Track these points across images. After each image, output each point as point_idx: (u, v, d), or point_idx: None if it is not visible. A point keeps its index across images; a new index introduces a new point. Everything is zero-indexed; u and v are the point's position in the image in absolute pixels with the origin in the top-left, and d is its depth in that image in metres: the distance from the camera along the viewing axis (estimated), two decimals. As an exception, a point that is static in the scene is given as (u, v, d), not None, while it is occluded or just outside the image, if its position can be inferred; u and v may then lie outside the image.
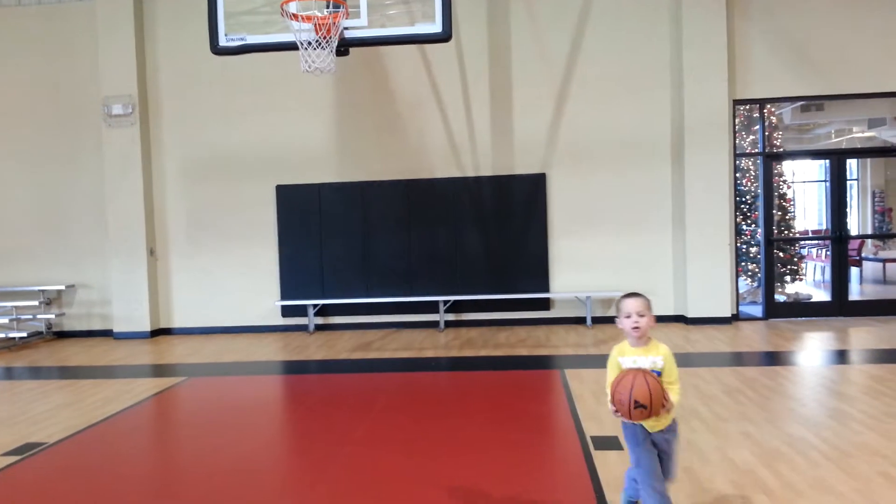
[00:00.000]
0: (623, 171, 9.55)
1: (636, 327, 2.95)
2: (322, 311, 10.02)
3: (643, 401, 2.77)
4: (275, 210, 10.00)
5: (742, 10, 9.32)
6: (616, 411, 2.84)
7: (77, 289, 10.25)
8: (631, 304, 2.97)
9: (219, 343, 9.30)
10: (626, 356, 3.01)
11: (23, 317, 9.74)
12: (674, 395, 2.91)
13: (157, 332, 10.15)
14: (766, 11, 9.30)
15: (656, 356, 2.98)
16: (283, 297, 9.98)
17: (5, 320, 9.47)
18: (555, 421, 5.18)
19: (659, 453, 2.99)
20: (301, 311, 9.94)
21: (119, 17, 9.82)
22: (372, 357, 7.99)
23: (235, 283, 10.09)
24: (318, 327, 10.03)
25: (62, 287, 10.09)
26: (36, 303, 9.96)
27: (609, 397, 2.88)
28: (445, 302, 9.65)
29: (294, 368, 7.71)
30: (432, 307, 9.77)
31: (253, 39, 6.98)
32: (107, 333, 10.17)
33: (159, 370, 7.74)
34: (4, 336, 9.53)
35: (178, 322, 10.23)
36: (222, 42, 6.95)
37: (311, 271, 9.94)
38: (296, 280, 9.96)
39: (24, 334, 9.66)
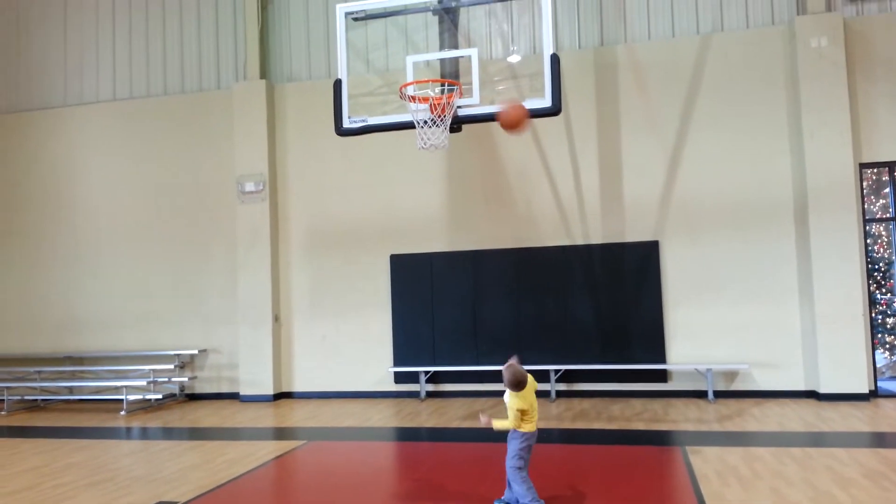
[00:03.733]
0: (742, 237, 9.25)
1: None
2: (433, 378, 10.15)
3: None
4: (388, 278, 10.36)
5: (865, 73, 8.99)
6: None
7: (208, 353, 10.94)
8: None
9: (336, 407, 9.59)
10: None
11: (159, 379, 10.46)
12: (496, 423, 4.83)
13: (280, 396, 10.60)
14: (890, 73, 8.92)
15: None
16: (396, 364, 10.21)
17: (143, 382, 10.21)
18: (678, 503, 4.96)
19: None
20: (413, 377, 10.12)
21: (253, 103, 10.76)
22: (481, 426, 7.94)
23: (352, 349, 10.44)
24: (429, 394, 10.14)
25: (195, 351, 10.81)
26: (171, 366, 10.69)
27: None
28: (556, 371, 9.53)
29: (407, 435, 7.81)
30: (543, 376, 9.66)
31: (373, 120, 7.44)
32: (234, 396, 10.74)
33: (281, 433, 8.06)
34: (142, 398, 10.25)
35: (298, 386, 10.67)
36: (346, 124, 7.46)
37: (423, 338, 10.14)
38: (408, 347, 10.19)
39: (160, 396, 10.35)
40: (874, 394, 8.74)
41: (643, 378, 9.44)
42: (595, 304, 9.64)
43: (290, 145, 10.93)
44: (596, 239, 9.75)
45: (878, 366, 9.13)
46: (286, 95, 10.96)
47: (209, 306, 10.95)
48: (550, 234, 9.89)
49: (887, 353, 9.69)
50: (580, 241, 9.79)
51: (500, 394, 9.82)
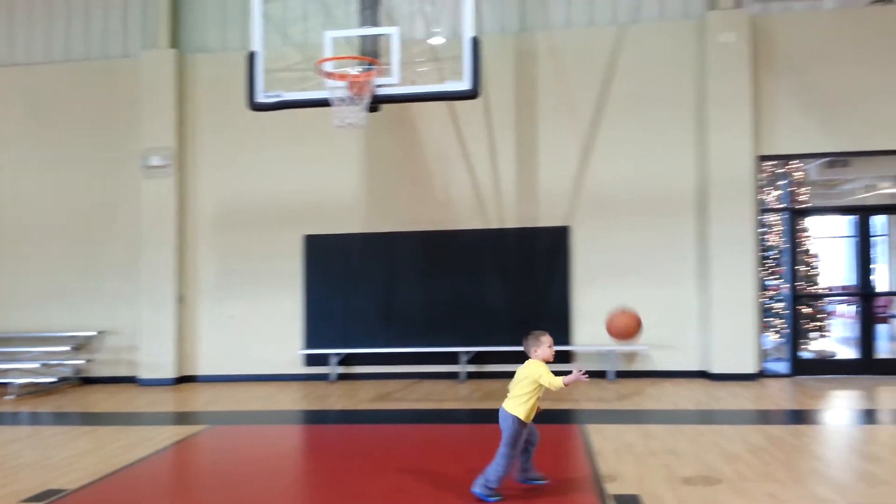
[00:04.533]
0: (647, 224, 9.60)
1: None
2: (344, 360, 10.08)
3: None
4: (302, 259, 10.18)
5: (768, 68, 9.45)
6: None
7: (107, 335, 10.44)
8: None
9: (242, 391, 9.38)
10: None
11: (51, 362, 9.92)
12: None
13: (182, 379, 10.26)
14: (791, 69, 9.42)
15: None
16: (307, 346, 10.07)
17: (35, 365, 9.64)
18: (574, 478, 5.12)
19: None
20: (323, 360, 10.01)
21: (161, 74, 10.28)
22: (392, 408, 7.99)
23: (261, 331, 10.22)
24: (341, 376, 10.07)
25: (93, 333, 10.30)
26: (66, 348, 10.15)
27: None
28: (467, 353, 9.65)
29: (315, 418, 7.74)
30: (454, 358, 9.77)
31: (288, 96, 7.26)
32: (132, 380, 10.29)
33: (182, 418, 7.82)
34: (32, 381, 9.69)
35: (202, 370, 10.35)
36: (259, 98, 7.24)
37: (335, 321, 10.04)
38: (319, 329, 10.06)
39: (53, 379, 9.82)
40: (761, 374, 9.31)
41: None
42: (507, 286, 9.81)
43: (200, 119, 10.51)
44: (510, 223, 9.90)
45: (766, 348, 9.73)
46: (198, 67, 10.52)
47: (110, 285, 10.44)
48: (466, 218, 9.96)
49: (775, 335, 10.32)
50: (495, 225, 9.91)
51: (412, 376, 9.94)
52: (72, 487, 5.10)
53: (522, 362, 4.70)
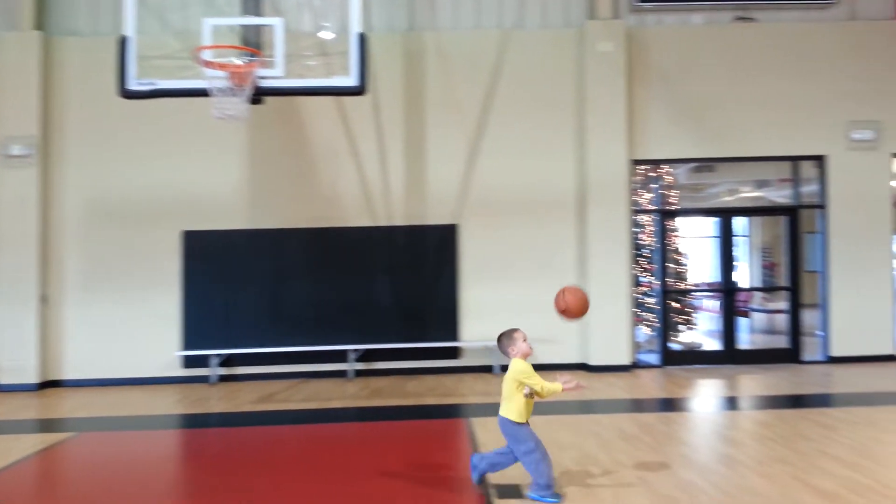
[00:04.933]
0: (530, 224, 9.90)
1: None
2: (227, 361, 9.73)
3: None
4: (180, 257, 9.74)
5: (642, 77, 9.99)
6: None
7: (-43, 338, 9.55)
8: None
9: (113, 396, 8.85)
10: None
11: None
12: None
13: (46, 384, 9.55)
14: (663, 79, 10.00)
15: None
16: (185, 348, 9.65)
17: None
18: (459, 470, 5.21)
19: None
20: (203, 361, 9.61)
21: (24, 56, 9.52)
22: (275, 409, 7.81)
23: (134, 332, 9.67)
24: (223, 378, 9.71)
25: (-59, 335, 9.39)
26: None
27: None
28: (355, 351, 9.58)
29: (192, 422, 7.43)
30: (342, 356, 9.67)
31: (164, 84, 6.92)
32: (-12, 386, 9.48)
33: (47, 425, 7.30)
34: None
35: (69, 374, 9.68)
36: (131, 86, 6.86)
37: (217, 320, 9.67)
38: (199, 330, 9.66)
39: None
40: (634, 365, 9.84)
41: (438, 355, 9.80)
42: (395, 284, 9.82)
43: (69, 107, 9.80)
44: (399, 221, 9.91)
45: (639, 340, 10.30)
46: (66, 51, 9.80)
47: (-40, 284, 9.55)
48: (354, 215, 9.88)
49: (647, 329, 10.94)
50: (383, 223, 9.89)
51: (299, 375, 9.74)
52: (-86, 506, 4.64)
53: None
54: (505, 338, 4.55)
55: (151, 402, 8.33)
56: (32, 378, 9.38)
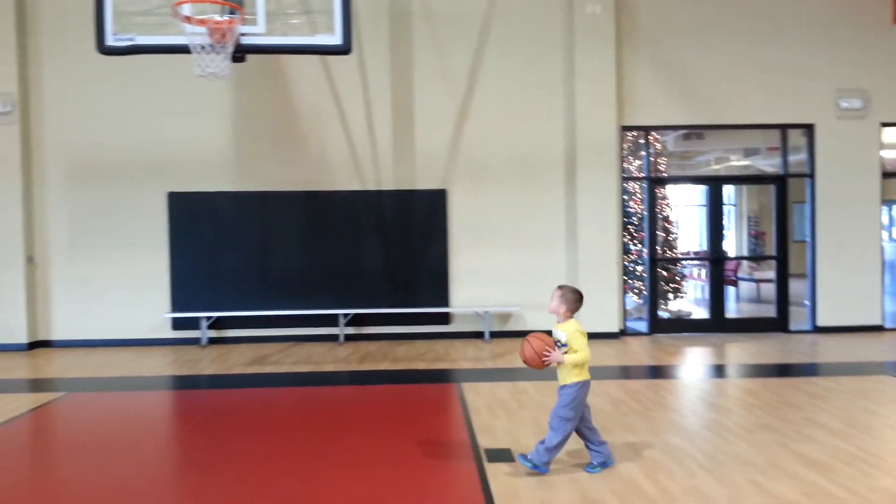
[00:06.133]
0: (519, 189, 9.85)
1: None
2: (216, 324, 9.71)
3: (521, 356, 4.25)
4: (166, 218, 9.63)
5: (630, 42, 9.87)
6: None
7: (-58, 298, 9.46)
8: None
9: (102, 357, 8.82)
10: (555, 329, 4.34)
11: None
12: (569, 357, 4.15)
13: (35, 345, 9.50)
14: (652, 44, 9.90)
15: (564, 331, 4.25)
16: (174, 309, 9.61)
17: None
18: (450, 434, 5.26)
19: None
20: (193, 323, 9.59)
21: (-1, 8, 9.23)
22: (267, 371, 7.82)
23: (122, 293, 9.61)
24: (212, 341, 9.71)
25: (-74, 295, 9.29)
26: None
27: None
28: (345, 315, 9.59)
29: (183, 384, 7.43)
30: (332, 320, 9.68)
31: (143, 40, 6.74)
32: (-25, 346, 9.43)
33: (36, 385, 7.27)
34: None
35: (58, 334, 9.63)
36: (109, 41, 6.67)
37: (205, 282, 9.62)
38: (188, 291, 9.61)
39: None
40: (623, 333, 9.92)
41: (428, 321, 9.83)
42: (384, 249, 9.78)
43: (46, 62, 9.57)
44: (387, 185, 9.83)
45: (628, 308, 10.37)
46: (41, 3, 9.53)
47: (-57, 244, 9.42)
48: (343, 179, 9.79)
49: (636, 296, 11.02)
50: (372, 187, 9.81)
51: (289, 339, 9.75)
52: None
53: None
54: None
55: (141, 364, 8.32)
56: (21, 338, 9.33)
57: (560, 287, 4.34)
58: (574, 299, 4.29)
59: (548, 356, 4.12)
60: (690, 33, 9.91)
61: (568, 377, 4.22)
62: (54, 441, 5.47)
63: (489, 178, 9.86)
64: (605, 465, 4.34)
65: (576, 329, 4.21)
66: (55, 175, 9.59)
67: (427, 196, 9.81)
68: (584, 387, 4.24)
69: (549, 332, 4.34)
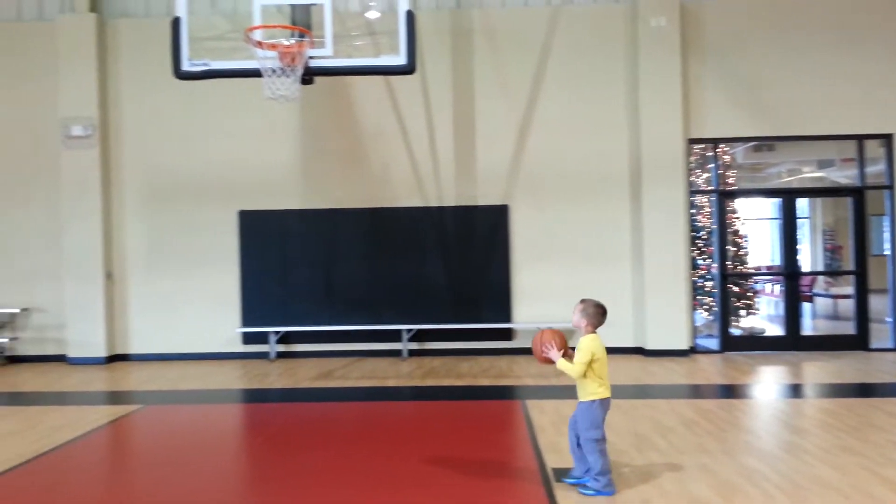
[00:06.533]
0: (583, 204, 9.76)
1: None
2: (284, 338, 9.92)
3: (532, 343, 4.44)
4: (237, 235, 9.93)
5: (696, 54, 9.68)
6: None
7: (31, 312, 9.96)
8: None
9: (177, 370, 9.13)
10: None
11: (-28, 341, 9.43)
12: (561, 362, 4.24)
13: (114, 358, 9.92)
14: (719, 56, 9.68)
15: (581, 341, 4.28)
16: (245, 324, 9.87)
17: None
18: (515, 453, 5.21)
19: None
20: (262, 338, 9.83)
21: (81, 38, 9.76)
22: (333, 386, 7.93)
23: (195, 308, 9.94)
24: (280, 355, 9.92)
25: (16, 310, 9.82)
26: (-13, 326, 9.65)
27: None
28: (408, 331, 9.65)
29: (254, 397, 7.61)
30: (395, 336, 9.76)
31: (216, 65, 7.00)
32: (61, 358, 9.88)
33: (114, 397, 7.57)
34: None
35: (135, 348, 10.02)
36: (185, 67, 6.97)
37: (274, 298, 9.86)
38: (257, 307, 9.87)
39: (-27, 359, 9.34)
40: (692, 350, 9.65)
41: (490, 336, 9.79)
42: (447, 265, 9.82)
43: (124, 88, 10.05)
44: (449, 201, 9.89)
45: (697, 325, 10.10)
46: (120, 32, 10.03)
47: (30, 262, 9.94)
48: (405, 195, 9.90)
49: (706, 313, 10.71)
50: (434, 203, 9.88)
51: (354, 353, 9.88)
52: (-3, 472, 4.89)
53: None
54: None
55: (214, 377, 8.57)
56: (100, 352, 9.74)
57: (582, 301, 4.33)
58: (595, 313, 4.27)
59: (547, 351, 4.27)
60: (759, 44, 9.66)
61: (583, 394, 4.28)
62: (131, 452, 5.67)
63: (551, 193, 9.80)
64: (580, 480, 4.31)
65: (588, 344, 4.20)
66: (132, 194, 10.03)
67: (489, 212, 9.82)
68: (602, 404, 4.26)
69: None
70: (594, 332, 4.27)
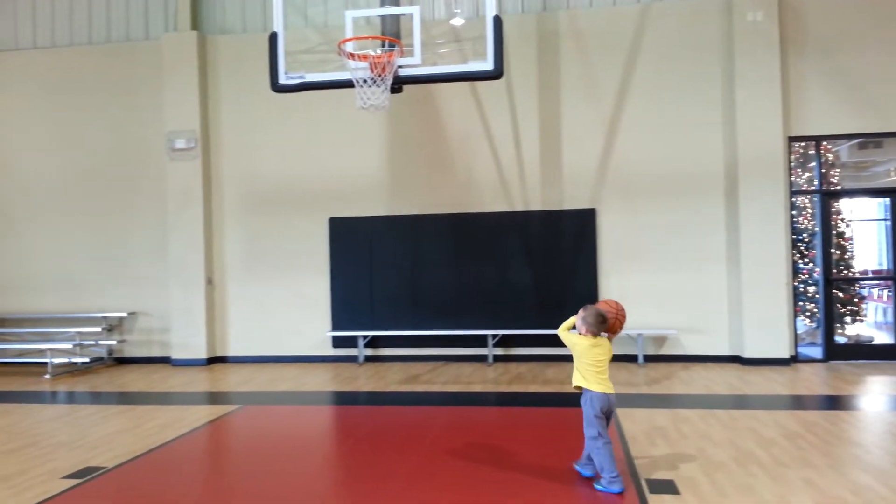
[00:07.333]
0: (674, 206, 9.47)
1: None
2: (372, 342, 10.12)
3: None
4: (327, 242, 10.21)
5: (796, 49, 9.24)
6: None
7: (138, 316, 10.59)
8: None
9: (271, 372, 9.46)
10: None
11: (85, 342, 10.08)
12: (563, 329, 4.69)
13: (213, 360, 10.39)
14: (820, 50, 9.20)
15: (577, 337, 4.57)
16: (335, 328, 10.13)
17: (69, 346, 9.84)
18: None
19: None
20: (351, 341, 10.06)
21: (183, 56, 10.30)
22: (420, 390, 8.02)
23: (288, 313, 10.29)
24: (368, 358, 10.12)
25: (124, 314, 10.46)
26: (98, 329, 10.30)
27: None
28: (494, 336, 9.64)
29: (344, 399, 7.79)
30: (481, 341, 9.77)
31: (311, 77, 7.22)
32: (165, 360, 10.46)
33: (214, 398, 7.92)
34: (68, 361, 9.88)
35: (232, 350, 10.47)
36: (282, 80, 7.21)
37: (362, 303, 10.07)
38: (347, 311, 10.11)
39: (87, 360, 9.99)
40: (794, 359, 9.18)
41: (578, 343, 9.62)
42: (533, 270, 9.75)
43: (223, 101, 10.54)
44: (535, 206, 9.82)
45: (799, 332, 9.60)
46: (219, 48, 10.53)
47: (138, 268, 10.57)
48: (490, 200, 9.91)
49: (808, 320, 10.16)
50: (519, 208, 9.84)
51: (439, 358, 9.96)
52: (109, 465, 5.20)
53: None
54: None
55: (306, 379, 8.83)
56: (201, 354, 10.23)
57: (584, 308, 4.57)
58: (593, 322, 4.49)
59: (583, 313, 4.52)
60: (863, 37, 9.12)
61: (577, 378, 4.56)
62: (231, 451, 5.91)
63: (641, 196, 9.57)
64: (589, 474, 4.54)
65: (579, 340, 4.53)
66: (231, 204, 10.50)
67: (576, 216, 9.68)
68: (595, 398, 4.43)
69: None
70: (593, 337, 4.50)
